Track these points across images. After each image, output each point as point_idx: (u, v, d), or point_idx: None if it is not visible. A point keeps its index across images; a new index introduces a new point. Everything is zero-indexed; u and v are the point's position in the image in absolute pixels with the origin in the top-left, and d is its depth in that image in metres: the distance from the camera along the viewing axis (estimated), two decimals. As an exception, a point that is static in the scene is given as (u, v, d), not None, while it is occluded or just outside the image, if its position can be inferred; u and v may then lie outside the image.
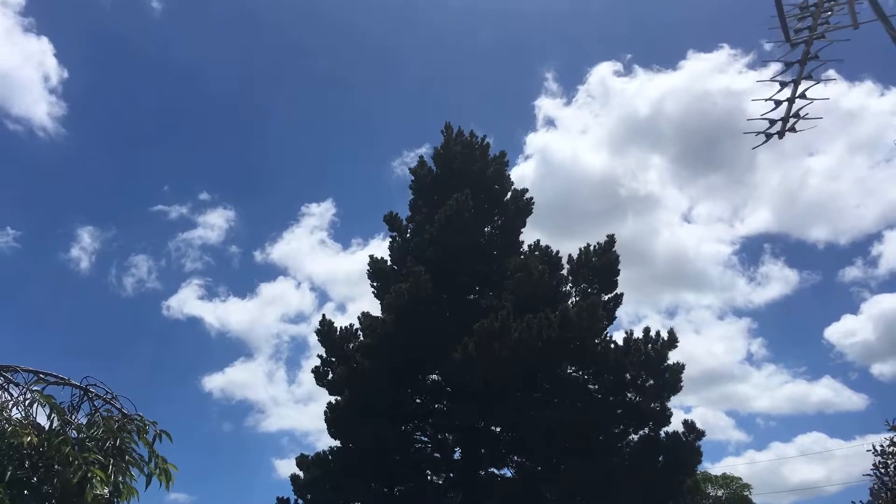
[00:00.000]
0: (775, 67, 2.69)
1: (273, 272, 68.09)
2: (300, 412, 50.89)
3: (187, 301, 56.67)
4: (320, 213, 61.72)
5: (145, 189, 63.55)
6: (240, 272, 60.85)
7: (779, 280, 62.76)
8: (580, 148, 60.88)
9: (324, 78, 66.15)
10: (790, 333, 69.62)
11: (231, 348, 60.98)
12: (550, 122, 64.76)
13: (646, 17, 65.10)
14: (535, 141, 57.66)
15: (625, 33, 66.70)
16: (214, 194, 61.96)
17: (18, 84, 51.71)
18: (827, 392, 59.14)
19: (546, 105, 67.07)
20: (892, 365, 56.27)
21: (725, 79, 56.27)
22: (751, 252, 65.94)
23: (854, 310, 68.09)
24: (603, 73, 61.78)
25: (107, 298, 56.30)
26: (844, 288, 61.49)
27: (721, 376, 58.43)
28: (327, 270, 57.88)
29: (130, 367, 52.47)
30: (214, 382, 60.28)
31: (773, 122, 2.75)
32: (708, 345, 57.44)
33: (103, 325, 58.15)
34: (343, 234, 63.49)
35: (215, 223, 60.15)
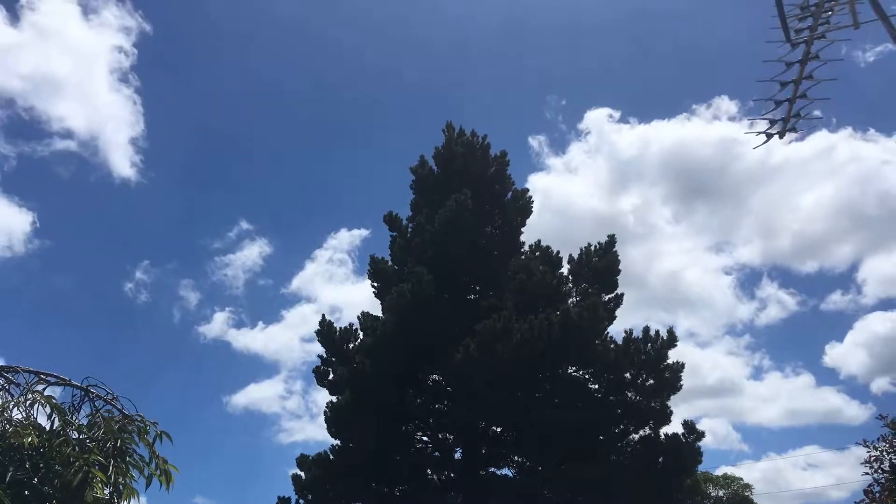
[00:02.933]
0: (777, 68, 2.69)
1: (296, 298, 72.04)
2: (315, 425, 54.12)
3: (220, 326, 62.48)
4: (350, 239, 64.85)
5: (193, 223, 70.42)
6: (267, 299, 66.56)
7: (775, 304, 65.86)
8: (579, 187, 64.45)
9: (356, 114, 72.98)
10: (791, 351, 74.14)
11: (254, 368, 66.50)
12: (550, 164, 67.73)
13: (644, 65, 69.95)
14: (535, 182, 59.44)
15: (623, 79, 71.56)
16: (254, 224, 68.20)
17: (112, 140, 61.39)
18: (828, 406, 61.28)
19: (545, 147, 69.65)
20: (891, 379, 58.47)
21: (721, 125, 60.72)
22: (748, 279, 70.35)
23: (852, 328, 71.96)
24: (601, 117, 65.22)
25: (153, 325, 63.39)
26: (841, 310, 64.96)
27: (724, 391, 60.91)
28: (345, 295, 60.67)
29: (165, 385, 58.75)
30: (238, 399, 64.74)
31: (773, 122, 2.74)
32: (708, 361, 60.26)
33: (146, 349, 64.21)
34: (363, 260, 66.22)
35: (250, 252, 66.35)
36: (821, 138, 58.07)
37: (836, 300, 64.32)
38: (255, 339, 63.35)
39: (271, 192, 72.45)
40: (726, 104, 61.21)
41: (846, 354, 67.94)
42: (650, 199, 62.33)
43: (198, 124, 67.74)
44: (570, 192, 62.71)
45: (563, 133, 73.55)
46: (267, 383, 63.86)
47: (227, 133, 70.19)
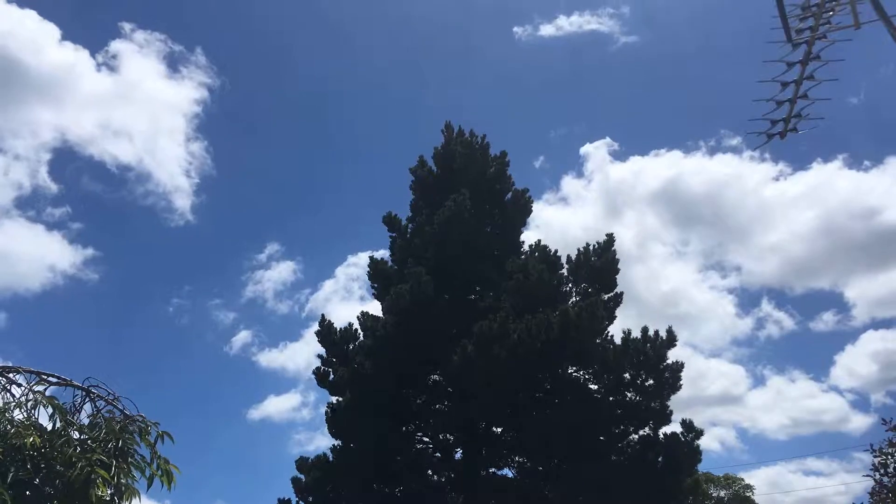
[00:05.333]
0: (780, 67, 2.68)
1: (315, 316, 73.61)
2: (325, 433, 54.44)
3: (246, 345, 65.41)
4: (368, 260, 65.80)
5: (233, 248, 73.61)
6: (290, 319, 68.81)
7: (773, 323, 68.06)
8: (577, 217, 66.04)
9: (381, 144, 75.35)
10: (792, 364, 76.35)
11: (275, 382, 68.88)
12: (547, 196, 69.71)
13: (643, 97, 72.16)
14: (538, 212, 60.40)
15: (622, 111, 73.56)
16: (283, 246, 71.36)
17: (178, 186, 65.18)
18: (831, 417, 62.98)
19: (546, 178, 70.82)
20: (887, 390, 60.71)
21: (718, 158, 64.75)
22: (748, 300, 73.15)
23: (848, 346, 74.23)
24: (599, 147, 67.18)
25: (188, 346, 66.74)
26: (834, 329, 66.99)
27: (726, 400, 62.49)
28: (356, 312, 61.90)
29: (188, 398, 62.08)
30: (259, 411, 67.11)
31: (774, 122, 2.74)
32: (712, 371, 62.08)
33: (177, 365, 66.98)
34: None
35: (279, 273, 68.63)
36: (815, 168, 61.82)
37: (828, 319, 67.04)
38: (278, 357, 67.08)
39: (302, 216, 75.78)
40: (726, 138, 63.91)
41: (846, 367, 69.84)
42: (649, 226, 64.81)
43: (256, 167, 72.97)
44: (568, 222, 64.83)
45: (562, 163, 76.13)
46: (285, 396, 67.14)
47: (279, 170, 75.08)
